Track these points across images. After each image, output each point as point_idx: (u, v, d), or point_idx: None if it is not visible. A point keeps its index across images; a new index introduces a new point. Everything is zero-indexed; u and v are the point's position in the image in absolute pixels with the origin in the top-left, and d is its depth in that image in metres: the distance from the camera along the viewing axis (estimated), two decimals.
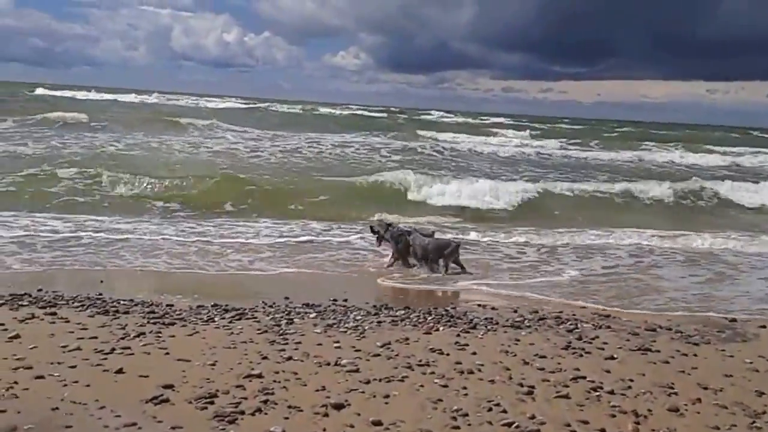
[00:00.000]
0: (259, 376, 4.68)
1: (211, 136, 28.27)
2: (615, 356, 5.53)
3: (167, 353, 5.06)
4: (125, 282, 8.17)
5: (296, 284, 8.29)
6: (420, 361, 5.17)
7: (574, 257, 10.47)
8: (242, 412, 4.07)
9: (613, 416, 4.32)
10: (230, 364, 4.90)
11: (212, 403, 4.21)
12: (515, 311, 7.16)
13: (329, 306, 7.05)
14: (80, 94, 57.96)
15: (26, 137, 22.81)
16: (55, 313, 5.85)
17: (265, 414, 4.09)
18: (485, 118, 71.93)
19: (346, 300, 7.40)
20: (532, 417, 4.22)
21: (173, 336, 5.47)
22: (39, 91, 59.21)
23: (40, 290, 7.03)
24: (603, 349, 5.72)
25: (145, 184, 14.01)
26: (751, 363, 5.58)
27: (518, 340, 5.84)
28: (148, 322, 5.80)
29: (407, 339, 5.72)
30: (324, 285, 8.27)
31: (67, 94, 58.14)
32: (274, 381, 4.62)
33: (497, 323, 6.45)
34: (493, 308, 7.28)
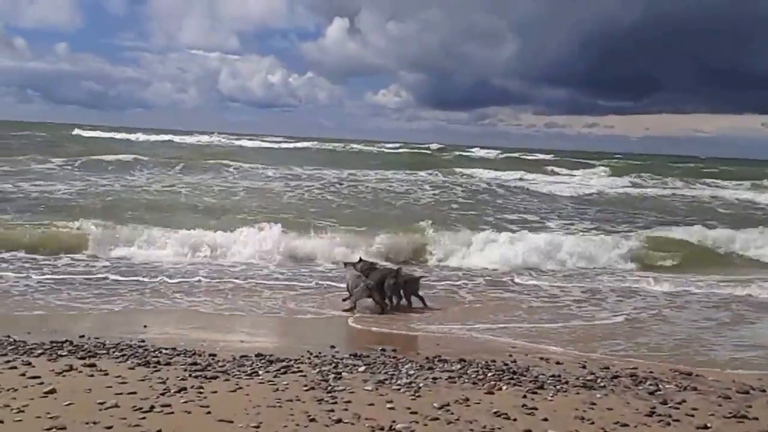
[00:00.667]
0: None
1: (249, 175, 28.24)
2: (708, 425, 4.84)
3: (209, 412, 4.65)
4: (169, 325, 7.90)
5: (339, 329, 8.00)
6: (484, 427, 4.61)
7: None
8: None
9: None
10: (275, 426, 4.46)
11: None
12: (583, 367, 6.55)
13: (378, 357, 6.59)
14: (131, 136, 59.40)
15: (68, 177, 23.28)
16: (94, 365, 5.54)
17: None
18: (531, 154, 69.81)
19: (395, 350, 6.93)
20: None
21: (215, 392, 5.07)
22: (76, 131, 60.90)
23: (82, 336, 6.80)
24: (692, 415, 5.03)
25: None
26: None
27: (594, 404, 5.20)
28: (190, 376, 5.42)
29: (467, 400, 5.17)
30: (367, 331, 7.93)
31: (107, 135, 59.62)
32: None
33: (567, 382, 5.83)
34: (558, 363, 6.68)
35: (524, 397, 5.32)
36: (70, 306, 8.43)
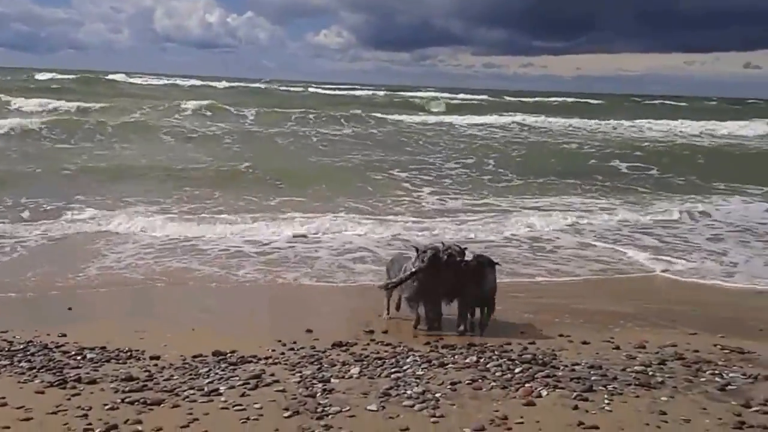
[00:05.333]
0: None
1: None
2: None
3: None
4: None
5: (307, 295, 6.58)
6: None
7: None
8: None
9: None
10: None
11: None
12: (617, 347, 5.40)
13: (368, 345, 5.25)
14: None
15: None
16: None
17: None
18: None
19: (386, 331, 5.59)
20: None
21: (159, 429, 3.58)
22: None
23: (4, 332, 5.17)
24: None
25: None
26: None
27: (664, 413, 4.00)
28: (123, 401, 3.89)
29: (506, 419, 3.87)
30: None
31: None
32: None
33: (615, 378, 4.61)
34: (584, 343, 5.50)
35: (575, 408, 4.07)
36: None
